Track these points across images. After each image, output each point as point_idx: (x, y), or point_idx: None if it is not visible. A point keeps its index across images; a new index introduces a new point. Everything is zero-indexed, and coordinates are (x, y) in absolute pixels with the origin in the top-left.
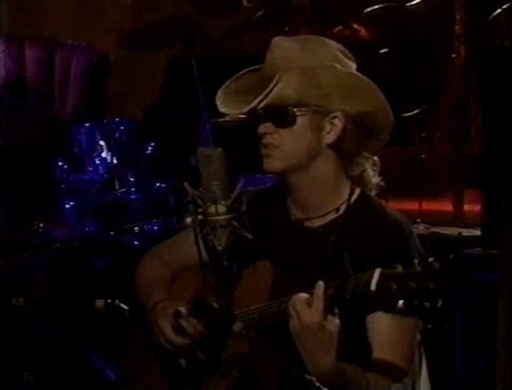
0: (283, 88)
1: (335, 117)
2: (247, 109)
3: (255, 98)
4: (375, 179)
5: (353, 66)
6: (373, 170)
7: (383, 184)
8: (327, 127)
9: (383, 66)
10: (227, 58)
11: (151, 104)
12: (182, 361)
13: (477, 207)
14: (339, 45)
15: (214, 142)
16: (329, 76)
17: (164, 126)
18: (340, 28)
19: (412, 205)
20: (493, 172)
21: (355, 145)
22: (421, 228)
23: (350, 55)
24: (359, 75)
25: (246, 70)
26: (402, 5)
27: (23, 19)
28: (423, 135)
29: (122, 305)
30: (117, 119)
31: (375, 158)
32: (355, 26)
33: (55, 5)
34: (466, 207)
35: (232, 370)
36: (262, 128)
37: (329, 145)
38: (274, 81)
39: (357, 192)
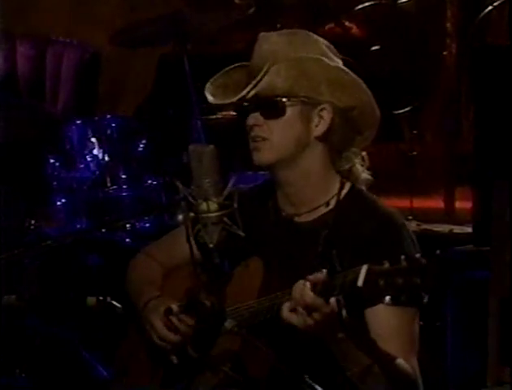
0: (272, 78)
1: (323, 109)
2: (237, 97)
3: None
4: (364, 174)
5: (340, 62)
6: (361, 165)
7: (372, 179)
8: (316, 120)
9: (374, 63)
10: (219, 55)
11: (143, 101)
12: (174, 358)
13: (468, 204)
14: (325, 41)
15: (206, 139)
16: (317, 69)
17: (156, 123)
18: (332, 25)
19: (403, 203)
20: (485, 169)
21: (343, 140)
22: (412, 225)
23: (336, 52)
24: (347, 69)
25: (233, 65)
26: (393, 2)
27: (15, 15)
28: (415, 132)
29: (113, 302)
30: (109, 116)
31: (363, 153)
32: (346, 23)
33: (47, 2)
34: (458, 204)
35: (223, 367)
36: (251, 120)
37: (317, 138)
38: (263, 71)
39: (347, 186)
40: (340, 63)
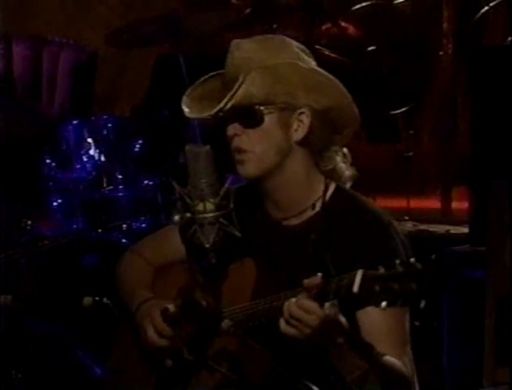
0: (248, 88)
1: (301, 113)
2: (215, 111)
3: (221, 101)
4: (347, 171)
5: (313, 63)
6: (344, 162)
7: (356, 173)
8: (295, 125)
9: (371, 63)
10: (215, 55)
11: (139, 101)
12: (168, 362)
13: (465, 205)
14: (298, 43)
15: (203, 140)
16: (292, 73)
17: (152, 123)
18: (328, 25)
19: (400, 203)
20: (481, 170)
21: (323, 141)
22: (409, 226)
23: (310, 53)
24: (322, 71)
25: (208, 75)
26: (390, 2)
27: (11, 16)
28: (411, 132)
29: (110, 302)
30: (105, 117)
31: (345, 150)
32: (343, 24)
33: (43, 3)
34: (454, 205)
35: (220, 368)
36: (230, 130)
37: (298, 143)
38: (239, 81)
39: (332, 187)
40: (314, 64)
